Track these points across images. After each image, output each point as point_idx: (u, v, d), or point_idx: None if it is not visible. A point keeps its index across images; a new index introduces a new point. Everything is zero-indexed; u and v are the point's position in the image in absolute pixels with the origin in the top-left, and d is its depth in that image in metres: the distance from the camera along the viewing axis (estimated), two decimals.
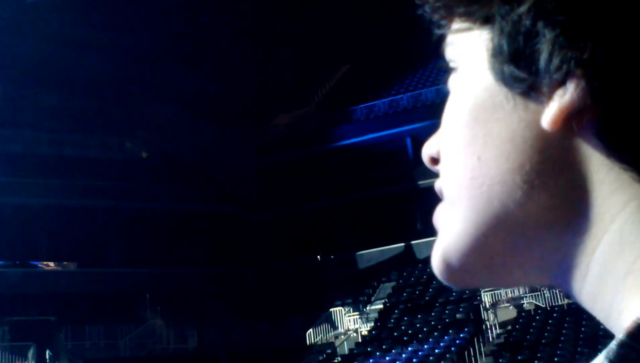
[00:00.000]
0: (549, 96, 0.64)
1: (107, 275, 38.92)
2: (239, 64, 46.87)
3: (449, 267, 0.72)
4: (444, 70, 0.75)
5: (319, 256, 44.11)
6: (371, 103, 45.28)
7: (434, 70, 47.24)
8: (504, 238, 0.68)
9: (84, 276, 38.62)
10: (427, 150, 0.77)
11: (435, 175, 0.75)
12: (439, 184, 0.74)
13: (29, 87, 41.05)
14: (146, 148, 44.36)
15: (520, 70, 0.65)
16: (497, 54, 0.66)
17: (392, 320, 36.40)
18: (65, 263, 40.75)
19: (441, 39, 0.75)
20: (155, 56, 44.62)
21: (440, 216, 0.74)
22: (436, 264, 0.73)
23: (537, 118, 0.65)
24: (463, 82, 0.71)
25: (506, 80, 0.66)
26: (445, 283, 0.74)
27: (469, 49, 0.71)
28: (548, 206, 0.66)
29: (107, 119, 42.33)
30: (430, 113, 40.97)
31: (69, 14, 40.70)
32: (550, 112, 0.63)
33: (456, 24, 0.72)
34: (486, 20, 0.68)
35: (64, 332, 36.31)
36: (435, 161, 0.76)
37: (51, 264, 40.42)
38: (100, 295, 38.06)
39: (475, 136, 0.68)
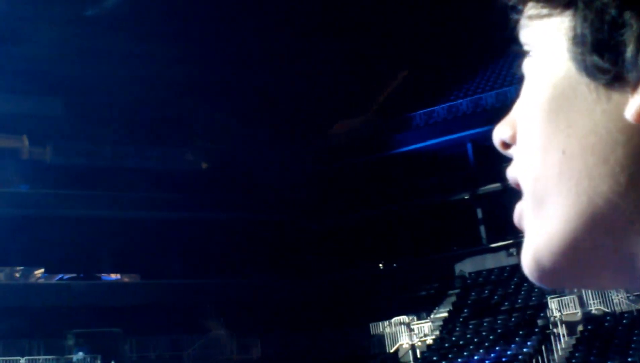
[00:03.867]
0: (634, 88, 0.61)
1: (171, 286, 39.17)
2: (299, 71, 46.83)
3: (540, 268, 0.71)
4: (519, 53, 0.73)
5: (380, 265, 43.84)
6: (430, 109, 44.97)
7: (493, 74, 46.81)
8: (594, 236, 0.66)
9: (148, 288, 38.90)
10: (499, 134, 0.75)
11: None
12: (513, 173, 0.73)
13: (90, 101, 41.50)
14: (206, 158, 44.55)
15: (604, 61, 0.62)
16: (579, 43, 0.64)
17: (457, 329, 36.03)
18: (129, 274, 41.05)
19: (514, 28, 0.73)
20: (214, 65, 44.77)
21: (527, 214, 0.71)
22: (527, 264, 0.72)
23: (621, 110, 0.62)
24: (541, 69, 0.69)
25: (589, 70, 0.63)
26: (536, 283, 0.73)
27: (547, 35, 0.68)
28: (635, 202, 0.63)
29: (168, 130, 42.67)
30: (490, 118, 40.61)
31: (127, 29, 41.06)
32: (635, 104, 0.61)
33: (535, 10, 0.69)
34: (567, 7, 0.65)
35: (129, 344, 36.60)
36: (507, 145, 0.75)
37: (115, 275, 40.76)
38: (164, 306, 38.23)
39: (558, 128, 0.66)
